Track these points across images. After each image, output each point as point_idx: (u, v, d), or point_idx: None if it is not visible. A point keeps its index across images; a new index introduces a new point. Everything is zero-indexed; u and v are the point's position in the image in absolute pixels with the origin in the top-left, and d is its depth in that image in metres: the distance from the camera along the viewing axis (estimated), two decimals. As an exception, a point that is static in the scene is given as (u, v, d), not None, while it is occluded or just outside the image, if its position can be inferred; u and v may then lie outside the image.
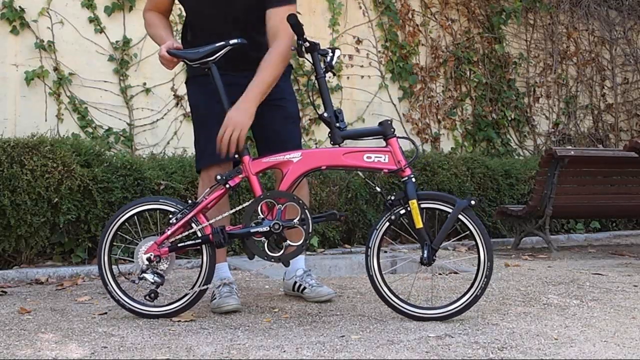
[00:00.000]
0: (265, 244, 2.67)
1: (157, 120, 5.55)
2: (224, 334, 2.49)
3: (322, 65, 2.77)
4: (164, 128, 5.56)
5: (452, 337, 2.42)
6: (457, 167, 5.83)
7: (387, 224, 2.73)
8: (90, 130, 5.25)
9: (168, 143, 5.50)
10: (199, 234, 2.72)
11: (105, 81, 5.37)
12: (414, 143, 2.86)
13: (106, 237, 2.78)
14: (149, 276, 2.69)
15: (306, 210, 2.67)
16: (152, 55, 5.49)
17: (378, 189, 2.86)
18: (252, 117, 2.72)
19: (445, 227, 2.70)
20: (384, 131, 2.71)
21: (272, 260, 2.69)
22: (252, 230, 2.67)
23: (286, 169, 2.71)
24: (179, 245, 2.73)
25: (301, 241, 2.69)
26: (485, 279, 2.67)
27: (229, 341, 2.38)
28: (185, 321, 2.69)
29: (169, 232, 2.71)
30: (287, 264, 2.76)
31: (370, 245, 2.73)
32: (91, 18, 5.35)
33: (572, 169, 5.26)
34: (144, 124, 5.50)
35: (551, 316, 2.78)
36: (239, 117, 2.69)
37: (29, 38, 5.12)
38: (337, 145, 2.72)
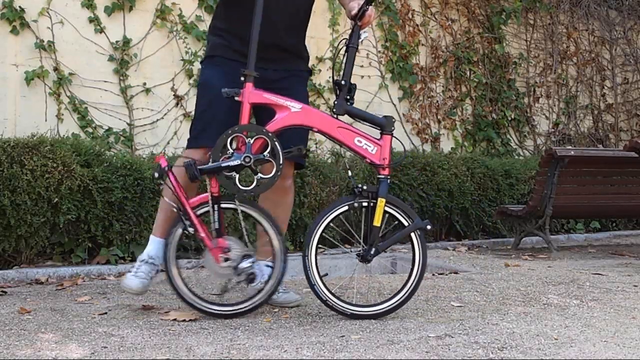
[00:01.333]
0: (237, 178, 2.65)
1: (157, 120, 5.55)
2: (224, 334, 2.49)
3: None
4: (164, 128, 5.56)
5: (452, 337, 2.42)
6: (457, 167, 5.83)
7: (346, 207, 2.73)
8: (90, 130, 5.25)
9: (168, 143, 5.50)
10: (207, 205, 2.69)
11: (105, 81, 5.37)
12: (404, 148, 2.87)
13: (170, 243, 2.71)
14: (244, 264, 2.66)
15: (276, 142, 2.64)
16: (152, 55, 5.50)
17: (350, 173, 2.87)
18: None
19: (396, 238, 2.74)
20: (384, 125, 2.73)
21: (245, 193, 2.66)
22: (222, 165, 2.63)
23: (282, 113, 2.70)
24: (208, 220, 2.69)
25: (272, 174, 2.65)
26: (419, 278, 2.73)
27: (229, 341, 2.38)
28: (185, 321, 2.69)
29: (202, 234, 2.68)
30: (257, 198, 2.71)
31: (316, 223, 2.70)
32: (91, 18, 5.35)
33: (572, 169, 5.26)
34: (144, 124, 5.50)
35: (551, 316, 2.78)
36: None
37: (29, 38, 5.12)
38: (336, 116, 2.73)
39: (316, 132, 2.77)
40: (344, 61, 2.77)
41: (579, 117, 8.09)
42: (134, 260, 4.28)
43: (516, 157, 7.33)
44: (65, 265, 4.11)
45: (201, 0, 5.78)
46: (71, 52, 5.26)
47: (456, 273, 3.95)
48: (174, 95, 5.64)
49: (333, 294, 2.71)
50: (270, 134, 2.65)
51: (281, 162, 2.65)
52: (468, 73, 7.31)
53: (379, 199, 2.68)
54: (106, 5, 5.41)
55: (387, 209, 2.71)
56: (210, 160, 2.65)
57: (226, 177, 2.64)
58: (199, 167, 2.64)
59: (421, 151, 6.54)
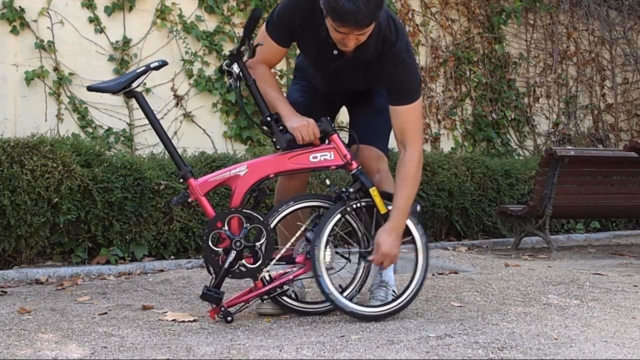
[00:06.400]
0: (244, 262, 2.65)
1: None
2: (224, 334, 2.49)
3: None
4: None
5: (452, 337, 2.42)
6: (457, 167, 5.83)
7: (339, 216, 2.70)
8: (90, 130, 5.25)
9: (168, 143, 5.49)
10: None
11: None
12: (354, 136, 2.80)
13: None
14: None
15: (249, 212, 2.62)
16: (152, 55, 5.49)
17: (328, 182, 2.79)
18: (400, 243, 2.69)
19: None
20: (325, 128, 2.70)
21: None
22: (226, 267, 2.62)
23: (234, 184, 2.67)
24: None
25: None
26: (422, 280, 2.74)
27: (229, 341, 2.38)
28: (185, 321, 2.69)
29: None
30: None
31: (318, 238, 2.65)
32: (91, 18, 5.35)
33: (572, 169, 5.26)
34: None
35: (551, 316, 2.78)
36: (390, 249, 2.65)
37: (29, 38, 5.12)
38: (281, 150, 2.68)
39: (274, 177, 2.73)
40: (255, 100, 2.69)
41: (579, 117, 8.09)
42: (134, 260, 4.29)
43: (516, 157, 7.33)
44: (65, 265, 4.11)
45: (201, 0, 5.78)
46: (71, 52, 5.26)
47: (456, 273, 3.95)
48: (174, 95, 5.64)
49: (336, 289, 2.69)
50: (240, 209, 2.64)
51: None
52: (468, 73, 7.31)
53: (371, 190, 2.69)
54: (106, 5, 5.41)
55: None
56: (212, 272, 2.64)
57: (239, 271, 2.64)
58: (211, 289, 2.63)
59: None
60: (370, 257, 2.70)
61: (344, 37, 2.50)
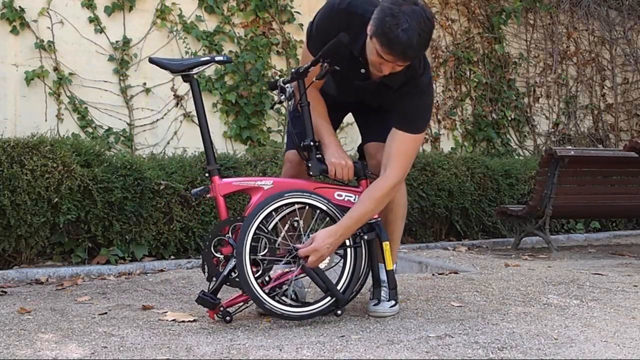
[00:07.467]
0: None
1: (157, 120, 5.55)
2: (224, 334, 2.49)
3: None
4: (164, 128, 5.56)
5: (452, 337, 2.42)
6: (457, 167, 5.83)
7: (268, 210, 2.63)
8: (90, 130, 5.26)
9: (168, 143, 5.50)
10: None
11: (105, 81, 5.37)
12: (371, 172, 2.78)
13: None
14: None
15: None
16: (152, 55, 5.48)
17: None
18: (334, 250, 2.62)
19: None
20: (358, 172, 2.71)
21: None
22: (226, 274, 2.60)
23: (255, 195, 2.66)
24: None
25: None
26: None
27: (229, 341, 2.38)
28: (185, 321, 2.69)
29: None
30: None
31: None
32: (91, 18, 5.36)
33: (572, 169, 5.26)
34: (144, 124, 5.50)
35: (551, 316, 2.78)
36: (321, 247, 2.56)
37: (29, 38, 5.12)
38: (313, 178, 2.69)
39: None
40: (304, 121, 2.67)
41: (579, 117, 8.09)
42: (134, 260, 4.29)
43: (516, 157, 7.33)
44: (65, 265, 4.11)
45: (201, 0, 5.78)
46: (71, 52, 5.27)
47: (456, 273, 3.95)
48: (174, 95, 5.65)
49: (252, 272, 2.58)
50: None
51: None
52: (468, 73, 7.31)
53: (384, 244, 2.69)
54: (106, 5, 5.42)
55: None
56: (206, 271, 2.62)
57: (237, 280, 2.61)
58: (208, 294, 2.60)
59: (421, 151, 6.53)
60: (298, 245, 2.60)
61: (382, 63, 2.48)
